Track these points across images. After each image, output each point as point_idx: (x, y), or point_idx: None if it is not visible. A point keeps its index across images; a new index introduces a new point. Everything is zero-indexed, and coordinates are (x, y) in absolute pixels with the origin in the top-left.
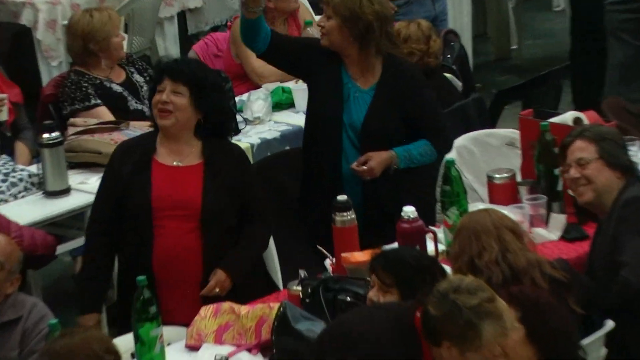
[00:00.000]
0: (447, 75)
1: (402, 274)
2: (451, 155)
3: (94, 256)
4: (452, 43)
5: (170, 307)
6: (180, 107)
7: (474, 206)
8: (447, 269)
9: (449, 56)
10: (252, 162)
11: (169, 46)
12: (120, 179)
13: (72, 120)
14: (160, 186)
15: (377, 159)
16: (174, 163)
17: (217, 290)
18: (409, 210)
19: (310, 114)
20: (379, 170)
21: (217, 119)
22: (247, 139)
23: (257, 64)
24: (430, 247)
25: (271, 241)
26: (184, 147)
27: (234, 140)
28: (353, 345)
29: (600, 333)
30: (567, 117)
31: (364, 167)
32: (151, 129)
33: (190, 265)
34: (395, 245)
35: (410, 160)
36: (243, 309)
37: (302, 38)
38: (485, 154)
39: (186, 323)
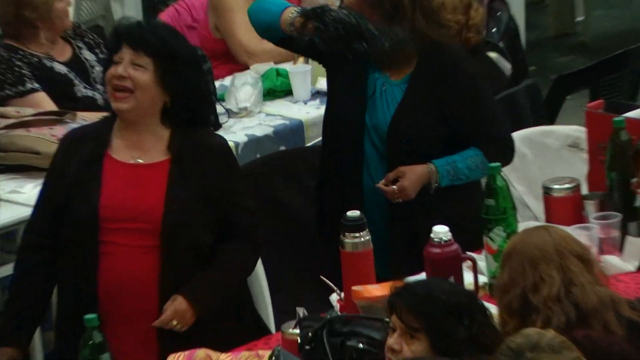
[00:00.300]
0: (492, 54)
1: (432, 315)
2: None
3: (24, 276)
4: (499, 13)
5: (121, 350)
6: (141, 85)
7: (525, 226)
8: (491, 307)
9: (494, 30)
10: None
11: (128, 14)
12: (64, 180)
13: (1, 109)
14: (112, 190)
15: (412, 177)
16: (132, 160)
17: (175, 323)
18: (441, 231)
19: (327, 112)
20: (413, 191)
21: (189, 103)
22: (230, 135)
23: (246, 37)
24: (468, 279)
25: (260, 270)
26: (146, 139)
27: None
28: None
29: None
30: None
31: (394, 187)
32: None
33: (146, 296)
34: (423, 276)
35: (456, 175)
36: (224, 358)
37: None
38: (540, 158)
39: None
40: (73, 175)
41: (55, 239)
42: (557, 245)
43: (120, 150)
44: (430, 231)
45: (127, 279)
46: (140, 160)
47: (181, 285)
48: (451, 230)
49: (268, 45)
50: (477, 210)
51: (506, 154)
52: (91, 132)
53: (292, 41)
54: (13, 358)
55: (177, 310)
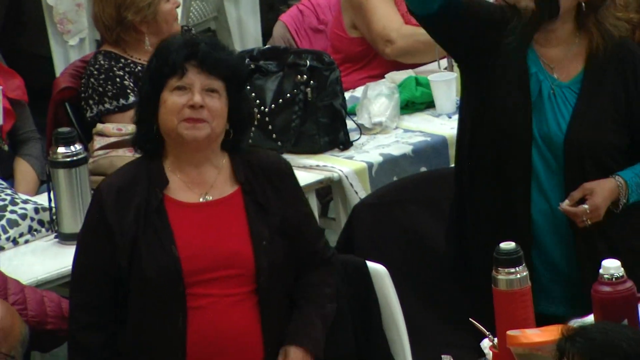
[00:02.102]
0: None
1: None
2: None
3: (89, 357)
4: None
5: None
6: (218, 113)
7: None
8: None
9: None
10: (369, 190)
11: (244, 16)
12: (121, 237)
13: (100, 127)
14: (187, 238)
15: (603, 193)
16: (199, 199)
17: None
18: (613, 267)
19: (475, 121)
20: (604, 209)
21: (246, 130)
22: (362, 155)
23: (383, 24)
24: None
25: (398, 312)
26: (207, 172)
27: (342, 157)
28: None
29: None
30: None
31: (585, 207)
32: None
33: (248, 349)
34: (590, 319)
35: None
36: None
37: None
38: None
39: None
40: (133, 230)
41: (119, 311)
42: None
43: (182, 190)
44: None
45: (223, 334)
46: (209, 197)
47: (284, 331)
48: (633, 259)
49: (407, 30)
50: None
51: None
52: (136, 176)
53: (445, 17)
54: None
55: None
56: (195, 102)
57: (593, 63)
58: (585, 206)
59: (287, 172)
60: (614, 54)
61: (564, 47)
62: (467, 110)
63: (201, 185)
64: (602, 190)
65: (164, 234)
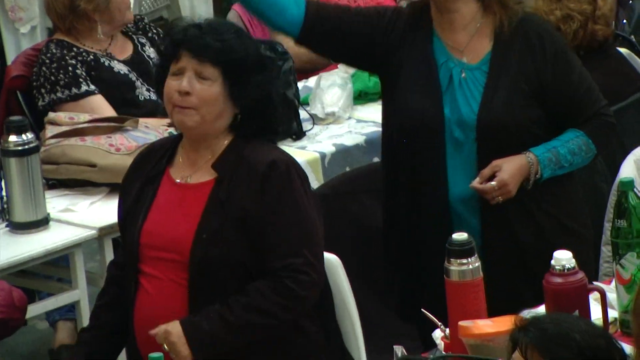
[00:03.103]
0: (623, 50)
1: (565, 358)
2: (628, 172)
3: (105, 308)
4: (631, 2)
5: None
6: (207, 100)
7: None
8: (626, 348)
9: (625, 22)
10: (321, 180)
11: (196, 4)
12: (126, 201)
13: (52, 115)
14: (157, 214)
15: (511, 169)
16: (180, 179)
17: (165, 348)
18: (564, 258)
19: (390, 117)
20: (515, 186)
21: (262, 114)
22: (315, 145)
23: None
24: (596, 314)
25: (351, 303)
26: (203, 156)
27: (295, 147)
28: None
29: None
30: None
31: (492, 183)
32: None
33: None
34: (540, 310)
35: (558, 164)
36: None
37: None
38: None
39: None
40: (134, 195)
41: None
42: None
43: (178, 168)
44: (533, 236)
45: (157, 316)
46: (189, 180)
47: None
48: (555, 234)
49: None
50: (581, 206)
51: (609, 132)
52: (162, 146)
53: (317, 38)
54: None
55: (168, 332)
56: (180, 89)
57: (499, 41)
58: (493, 183)
59: (273, 177)
60: (520, 28)
61: (470, 29)
62: (384, 111)
63: (191, 166)
64: (510, 167)
65: (145, 205)
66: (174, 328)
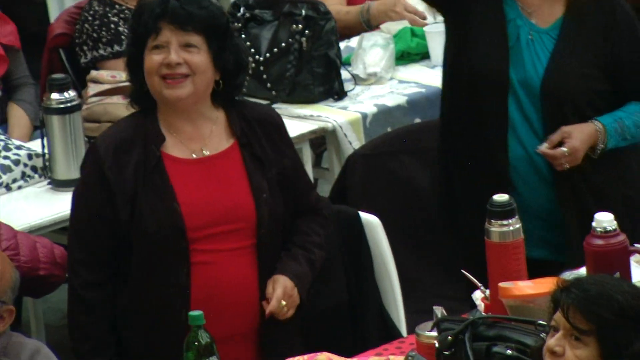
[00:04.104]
0: None
1: (606, 319)
2: None
3: (92, 312)
4: None
5: None
6: (199, 68)
7: None
8: None
9: None
10: (362, 141)
11: None
12: (121, 194)
13: (94, 74)
14: (188, 194)
15: (581, 136)
16: (195, 154)
17: (284, 304)
18: (605, 220)
19: (453, 69)
20: (584, 152)
21: (239, 78)
22: (356, 105)
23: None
24: (637, 276)
25: (390, 263)
26: (202, 127)
27: (336, 107)
28: None
29: None
30: None
31: (564, 149)
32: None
33: (246, 302)
34: (582, 271)
35: (623, 135)
36: None
37: None
38: None
39: None
40: (132, 187)
41: (119, 267)
42: None
43: (178, 146)
44: (600, 204)
45: (224, 288)
46: (206, 152)
47: None
48: (616, 202)
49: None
50: (635, 171)
51: None
52: (133, 133)
53: None
54: None
55: (285, 287)
56: (170, 61)
57: (572, 9)
58: (564, 149)
59: (280, 123)
60: (592, 1)
61: None
62: (448, 59)
63: (197, 140)
64: (581, 134)
65: (164, 191)
66: (286, 283)
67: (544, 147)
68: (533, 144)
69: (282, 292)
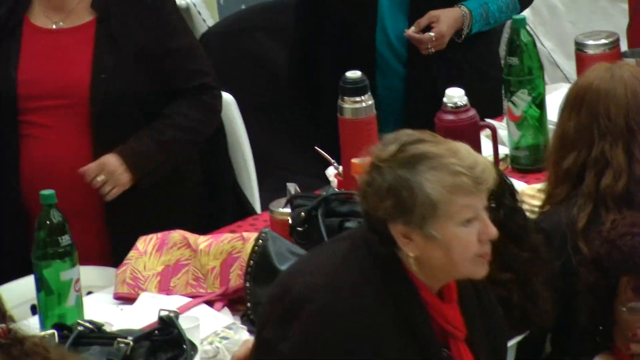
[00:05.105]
0: None
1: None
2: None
3: None
4: None
5: None
6: None
7: (555, 88)
8: (515, 183)
9: None
10: (217, 19)
11: None
12: None
13: None
14: (31, 62)
15: (447, 21)
16: (53, 25)
17: (101, 179)
18: (456, 95)
19: None
20: (449, 37)
21: None
22: None
23: None
24: (487, 150)
25: (244, 140)
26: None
27: None
28: (300, 308)
29: None
30: None
31: (431, 34)
32: None
33: (79, 185)
34: None
35: (487, 19)
36: (202, 241)
37: None
38: (573, 9)
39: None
40: None
41: None
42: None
43: (40, 15)
44: (450, 79)
45: (54, 166)
46: (62, 24)
47: None
48: (473, 79)
49: None
50: (496, 51)
51: None
52: None
53: None
54: None
55: (104, 164)
56: None
57: None
58: (431, 34)
59: (162, 5)
60: None
61: None
62: None
63: (59, 11)
64: (448, 19)
65: (10, 55)
66: (109, 159)
67: (410, 31)
68: (396, 29)
69: (97, 166)
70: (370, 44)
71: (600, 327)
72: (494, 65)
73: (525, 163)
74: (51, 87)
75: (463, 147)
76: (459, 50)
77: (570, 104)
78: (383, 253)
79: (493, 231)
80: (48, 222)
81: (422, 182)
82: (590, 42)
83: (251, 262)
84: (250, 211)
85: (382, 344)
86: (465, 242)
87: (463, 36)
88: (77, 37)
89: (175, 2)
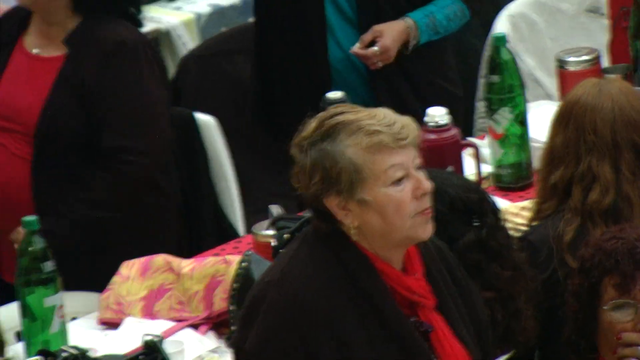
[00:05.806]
0: None
1: (437, 211)
2: (501, 28)
3: None
4: None
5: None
6: None
7: (537, 105)
8: (501, 202)
9: None
10: (197, 42)
11: None
12: None
13: None
14: (7, 84)
15: (392, 34)
16: (34, 50)
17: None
18: (438, 114)
19: None
20: (395, 50)
21: None
22: (190, 6)
23: None
24: (469, 170)
25: (227, 165)
26: (53, 30)
27: (169, 8)
28: (257, 308)
29: None
30: None
31: (375, 49)
32: None
33: (20, 208)
34: None
35: (435, 29)
36: (185, 265)
37: None
38: (553, 26)
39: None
40: None
41: None
42: (617, 131)
43: (30, 38)
44: (414, 94)
45: None
46: (40, 52)
47: (58, 203)
48: (433, 94)
49: None
50: (451, 65)
51: None
52: (18, 11)
53: None
54: None
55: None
56: None
57: None
58: (375, 48)
59: (118, 56)
60: None
61: None
62: None
63: (44, 38)
64: (392, 32)
65: None
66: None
67: (356, 48)
68: (350, 45)
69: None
70: (323, 61)
71: (584, 337)
72: (446, 78)
73: (508, 181)
74: (10, 110)
75: (382, 110)
76: (410, 62)
77: (559, 119)
78: (328, 231)
79: (427, 185)
80: (30, 248)
81: (343, 149)
82: (572, 58)
83: (235, 285)
84: (234, 234)
85: (342, 324)
86: (397, 201)
87: (410, 48)
88: (46, 68)
89: (150, 55)
